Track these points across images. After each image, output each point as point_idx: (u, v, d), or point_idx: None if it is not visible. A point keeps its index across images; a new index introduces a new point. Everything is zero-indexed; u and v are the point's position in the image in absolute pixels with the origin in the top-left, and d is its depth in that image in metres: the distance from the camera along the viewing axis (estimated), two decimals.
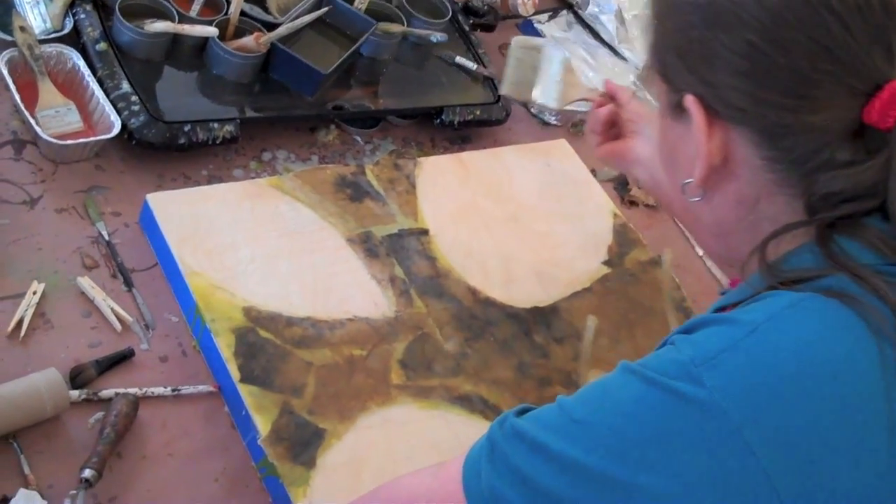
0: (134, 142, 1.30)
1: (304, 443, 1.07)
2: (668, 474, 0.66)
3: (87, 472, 0.96)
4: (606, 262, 1.50)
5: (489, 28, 1.88)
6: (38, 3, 1.35)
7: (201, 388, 1.12)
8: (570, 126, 1.80)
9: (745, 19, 0.75)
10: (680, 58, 0.81)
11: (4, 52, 1.28)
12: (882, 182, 0.74)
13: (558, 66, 1.28)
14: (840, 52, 0.74)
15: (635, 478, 0.67)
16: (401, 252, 1.34)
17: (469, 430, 1.17)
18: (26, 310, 1.10)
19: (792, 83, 0.75)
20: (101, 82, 1.32)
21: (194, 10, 1.46)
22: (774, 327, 0.70)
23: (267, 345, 1.14)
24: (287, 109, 1.47)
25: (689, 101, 0.80)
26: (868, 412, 0.68)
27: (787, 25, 0.74)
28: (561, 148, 1.67)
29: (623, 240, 1.54)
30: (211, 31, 1.42)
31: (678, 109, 0.82)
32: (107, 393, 1.06)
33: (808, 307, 0.71)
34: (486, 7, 1.88)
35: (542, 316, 1.36)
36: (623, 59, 2.02)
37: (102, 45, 1.35)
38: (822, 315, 0.71)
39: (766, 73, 0.75)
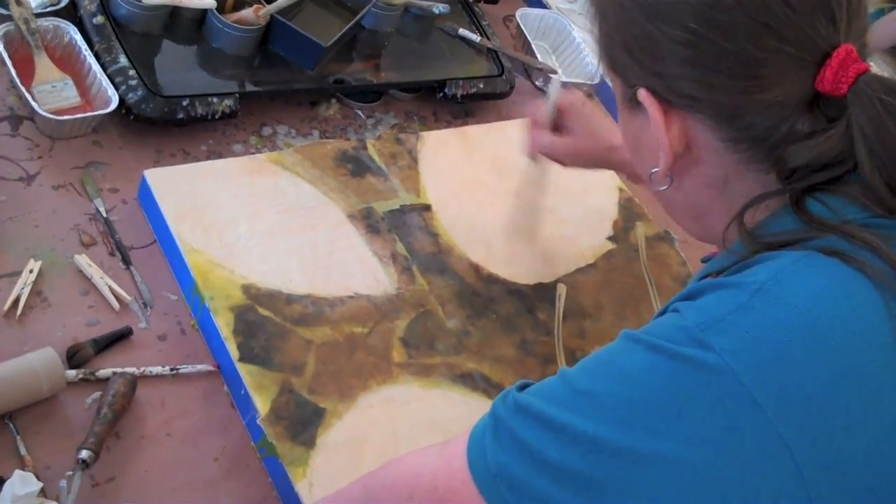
0: (132, 117, 1.28)
1: (304, 422, 1.06)
2: (680, 440, 0.66)
3: (84, 453, 0.95)
4: (611, 238, 1.48)
5: (492, 0, 1.85)
6: None
7: (200, 367, 1.10)
8: None
9: (682, 8, 0.75)
10: (627, 53, 0.81)
11: (0, 27, 1.26)
12: (848, 148, 0.73)
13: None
14: (782, 28, 0.73)
15: (647, 446, 0.67)
16: (402, 228, 1.32)
17: (471, 408, 1.16)
18: (23, 288, 1.08)
19: (738, 65, 0.74)
20: (98, 56, 1.30)
21: None
22: (779, 286, 0.69)
23: (266, 323, 1.13)
24: (287, 83, 1.45)
25: (643, 95, 0.80)
26: (878, 366, 0.68)
27: (725, 8, 0.74)
28: None
29: (628, 215, 1.53)
30: (209, 3, 1.39)
31: (634, 102, 0.82)
32: (104, 372, 1.05)
33: (811, 264, 0.71)
34: None
35: (546, 292, 1.34)
36: None
37: (99, 19, 1.33)
38: (825, 271, 0.70)
39: (711, 58, 0.75)
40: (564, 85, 1.27)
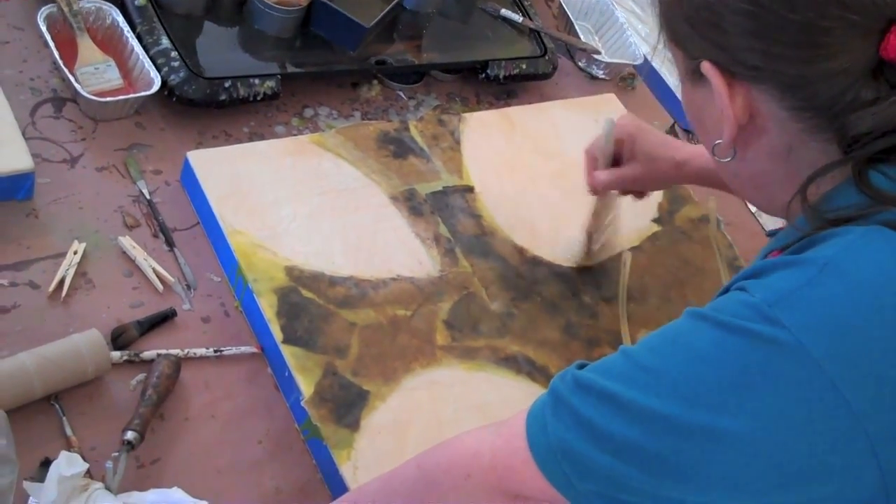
0: (174, 98, 1.28)
1: (348, 404, 1.05)
2: (749, 416, 0.66)
3: (130, 434, 0.96)
4: (656, 220, 1.46)
5: None
6: None
7: (244, 348, 1.10)
8: (619, 80, 1.75)
9: None
10: (690, 26, 0.80)
11: (43, 9, 1.26)
12: None
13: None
14: None
15: (715, 422, 0.66)
16: (445, 210, 1.31)
17: (515, 391, 1.15)
18: (67, 269, 1.08)
19: (802, 35, 0.73)
20: (140, 38, 1.30)
21: None
22: (846, 261, 0.69)
23: (310, 305, 1.12)
24: (329, 64, 1.44)
25: (706, 67, 0.79)
26: None
27: None
28: (609, 102, 1.63)
29: (673, 196, 1.50)
30: None
31: (697, 75, 0.81)
32: (149, 354, 1.05)
33: (876, 238, 0.71)
34: None
35: (591, 275, 1.33)
36: None
37: (141, 1, 1.32)
38: (891, 245, 0.70)
39: (775, 29, 0.74)
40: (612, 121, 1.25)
